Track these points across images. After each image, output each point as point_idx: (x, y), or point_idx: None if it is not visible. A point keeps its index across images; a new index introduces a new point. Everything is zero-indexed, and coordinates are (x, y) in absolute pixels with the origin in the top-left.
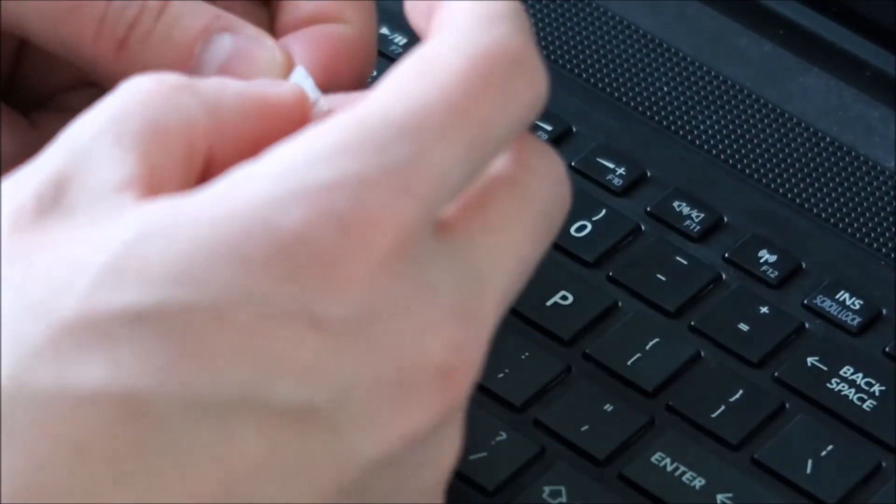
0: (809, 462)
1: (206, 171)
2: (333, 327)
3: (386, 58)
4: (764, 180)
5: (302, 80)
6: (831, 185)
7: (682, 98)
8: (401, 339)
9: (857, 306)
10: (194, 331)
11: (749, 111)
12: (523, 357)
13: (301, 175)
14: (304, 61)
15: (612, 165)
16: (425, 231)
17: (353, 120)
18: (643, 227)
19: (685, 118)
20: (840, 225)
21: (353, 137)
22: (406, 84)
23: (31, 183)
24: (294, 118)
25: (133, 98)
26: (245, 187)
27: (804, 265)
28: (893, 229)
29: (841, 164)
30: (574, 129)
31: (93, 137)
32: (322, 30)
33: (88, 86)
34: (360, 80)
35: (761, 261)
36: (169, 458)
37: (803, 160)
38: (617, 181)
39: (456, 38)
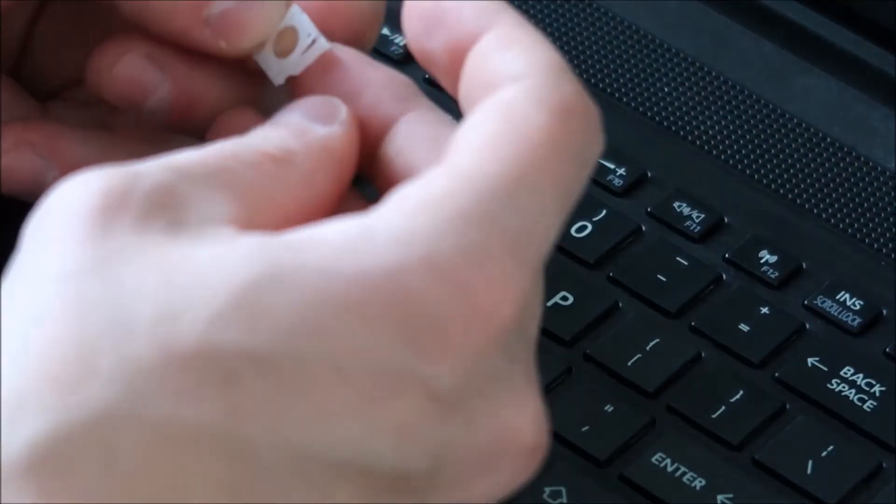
0: (810, 462)
1: None
2: (444, 397)
3: (386, 58)
4: (764, 181)
5: (298, 17)
6: (831, 185)
7: (682, 98)
8: (499, 410)
9: (858, 307)
10: (314, 384)
11: (749, 111)
12: None
13: (426, 242)
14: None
15: (612, 166)
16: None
17: (465, 185)
18: (644, 228)
19: (685, 118)
20: (840, 225)
21: (470, 207)
22: (500, 144)
23: (135, 180)
24: (351, 157)
25: (239, 156)
26: (370, 246)
27: (805, 265)
28: (894, 229)
29: (841, 164)
30: None
31: (203, 171)
32: None
33: None
34: (356, 43)
35: (762, 261)
36: None
37: (803, 160)
38: (617, 181)
39: (536, 92)
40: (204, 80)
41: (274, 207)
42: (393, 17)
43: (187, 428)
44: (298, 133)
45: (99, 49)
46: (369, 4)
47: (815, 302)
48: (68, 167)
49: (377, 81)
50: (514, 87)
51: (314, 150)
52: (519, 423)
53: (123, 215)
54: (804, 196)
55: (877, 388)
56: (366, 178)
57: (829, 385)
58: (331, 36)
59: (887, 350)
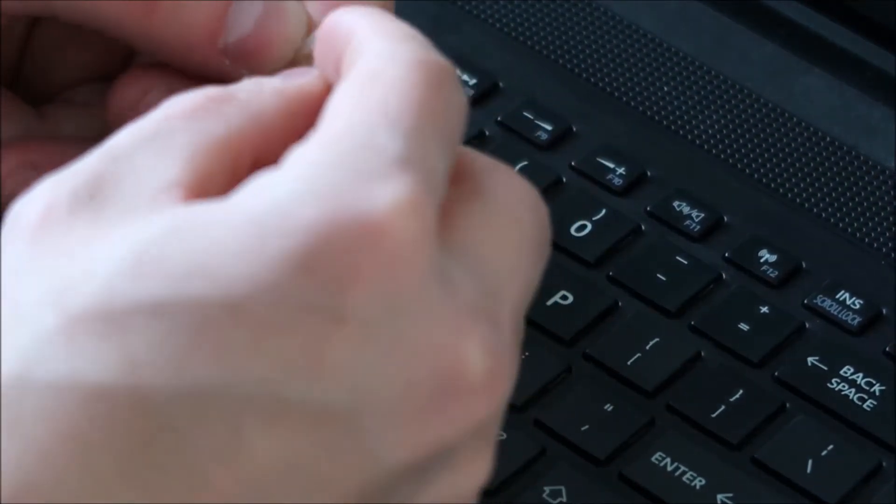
0: (810, 462)
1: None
2: (357, 324)
3: None
4: (764, 180)
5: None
6: (832, 184)
7: (682, 98)
8: (432, 338)
9: (858, 306)
10: (208, 325)
11: (750, 111)
12: (523, 357)
13: (315, 179)
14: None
15: (612, 165)
16: (436, 226)
17: (339, 134)
18: (643, 227)
19: (685, 118)
20: (840, 225)
21: (347, 144)
22: (368, 94)
23: (67, 181)
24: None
25: (175, 111)
26: (259, 194)
27: (804, 265)
28: (893, 229)
29: (841, 163)
30: (574, 129)
31: (135, 145)
32: None
33: (96, 81)
34: None
35: (761, 261)
36: (175, 457)
37: (804, 160)
38: (617, 181)
39: (385, 52)
40: None
41: (221, 152)
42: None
43: (87, 384)
44: (254, 83)
45: (121, 85)
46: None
47: (814, 301)
48: None
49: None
50: (366, 54)
51: (265, 90)
52: (460, 353)
53: (57, 216)
54: (804, 195)
55: (876, 388)
56: None
57: (828, 384)
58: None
59: (887, 349)
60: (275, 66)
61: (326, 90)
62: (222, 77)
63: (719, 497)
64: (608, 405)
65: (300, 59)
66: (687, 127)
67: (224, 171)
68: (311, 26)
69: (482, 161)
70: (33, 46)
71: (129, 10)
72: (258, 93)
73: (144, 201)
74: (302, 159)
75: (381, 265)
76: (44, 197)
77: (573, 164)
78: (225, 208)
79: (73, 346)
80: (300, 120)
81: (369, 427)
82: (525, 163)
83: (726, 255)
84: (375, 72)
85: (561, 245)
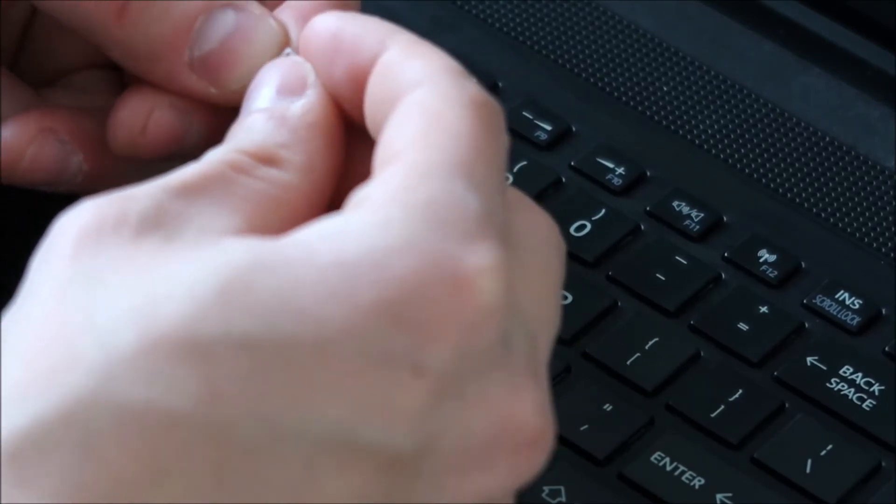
0: (809, 462)
1: None
2: (433, 376)
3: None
4: (764, 180)
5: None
6: (831, 184)
7: (682, 98)
8: (493, 395)
9: (857, 306)
10: (294, 364)
11: (749, 111)
12: None
13: (401, 228)
14: (295, 35)
15: (612, 165)
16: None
17: (419, 176)
18: (643, 227)
19: (685, 118)
20: (840, 225)
21: (431, 192)
22: (430, 135)
23: (131, 203)
24: (336, 122)
25: (234, 166)
26: (347, 236)
27: (804, 265)
28: (893, 229)
29: (841, 163)
30: (574, 129)
31: (199, 190)
32: (313, 4)
33: (97, 67)
34: None
35: (761, 260)
36: (247, 489)
37: (803, 160)
38: (617, 181)
39: (443, 90)
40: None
41: (279, 207)
42: (392, 17)
43: (166, 411)
44: (279, 120)
45: (125, 107)
46: (348, 5)
47: (814, 301)
48: (89, 148)
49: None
50: (421, 90)
51: (301, 136)
52: (516, 411)
53: (117, 234)
54: (803, 195)
55: (876, 388)
56: None
57: (828, 384)
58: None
59: (886, 349)
60: (241, 83)
61: (334, 109)
62: (190, 93)
63: (719, 497)
64: (608, 405)
65: None
66: (686, 127)
67: (281, 222)
68: (286, 42)
69: (506, 198)
70: (34, 31)
71: (99, 11)
72: (295, 146)
73: (212, 239)
74: (382, 206)
75: (465, 323)
76: (103, 210)
77: (573, 163)
78: (306, 248)
79: (153, 369)
80: (334, 149)
81: (427, 472)
82: (524, 163)
83: (725, 254)
84: (436, 114)
85: None
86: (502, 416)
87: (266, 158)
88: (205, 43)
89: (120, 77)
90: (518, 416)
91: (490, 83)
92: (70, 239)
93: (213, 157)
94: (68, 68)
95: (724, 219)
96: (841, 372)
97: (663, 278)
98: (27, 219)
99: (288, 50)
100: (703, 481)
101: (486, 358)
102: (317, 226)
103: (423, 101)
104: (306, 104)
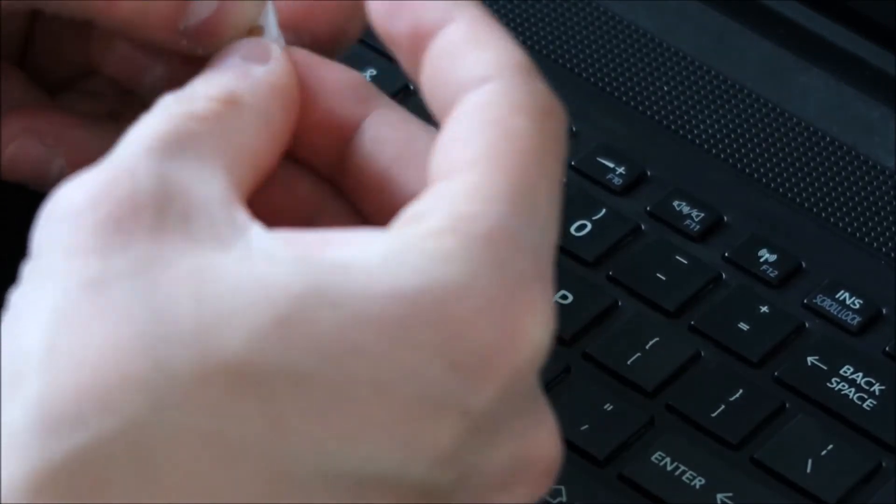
0: (809, 462)
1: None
2: (477, 416)
3: (386, 57)
4: (764, 180)
5: (269, 17)
6: (831, 184)
7: (682, 98)
8: (521, 428)
9: (857, 306)
10: (353, 400)
11: (749, 111)
12: None
13: (462, 263)
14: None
15: (612, 165)
16: None
17: (484, 205)
18: (643, 227)
19: (685, 118)
20: (840, 224)
21: (495, 227)
22: (497, 156)
23: (137, 182)
24: (296, 97)
25: (197, 114)
26: (407, 267)
27: (804, 265)
28: (893, 229)
29: (841, 163)
30: (574, 129)
31: (180, 155)
32: None
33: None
34: (338, 36)
35: (761, 260)
36: None
37: (803, 160)
38: (617, 181)
39: (512, 95)
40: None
41: (244, 155)
42: None
43: (227, 442)
44: (241, 75)
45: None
46: (344, 8)
47: (814, 301)
48: (74, 156)
49: (337, 82)
50: (489, 90)
51: (262, 88)
52: (540, 442)
53: (138, 221)
54: (804, 195)
55: (876, 388)
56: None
57: (828, 384)
58: (313, 31)
59: (887, 349)
60: (224, 43)
61: (293, 72)
62: (174, 51)
63: (719, 497)
64: (608, 405)
65: (253, 31)
66: (686, 126)
67: (254, 175)
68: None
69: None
70: (41, 35)
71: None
72: (257, 93)
73: (227, 220)
74: (441, 233)
75: (513, 371)
76: (112, 191)
77: (573, 163)
78: (364, 276)
79: (212, 400)
80: (290, 112)
81: (458, 500)
82: None
83: (726, 254)
84: (504, 128)
85: (560, 245)
86: (527, 448)
87: (229, 101)
88: (199, 13)
89: None
90: (540, 447)
91: None
92: (88, 222)
93: (177, 108)
94: (79, 72)
95: (725, 219)
96: (841, 372)
97: (663, 278)
98: (27, 219)
99: (271, 15)
100: (703, 481)
101: (524, 398)
102: (373, 246)
103: (491, 107)
104: (270, 69)
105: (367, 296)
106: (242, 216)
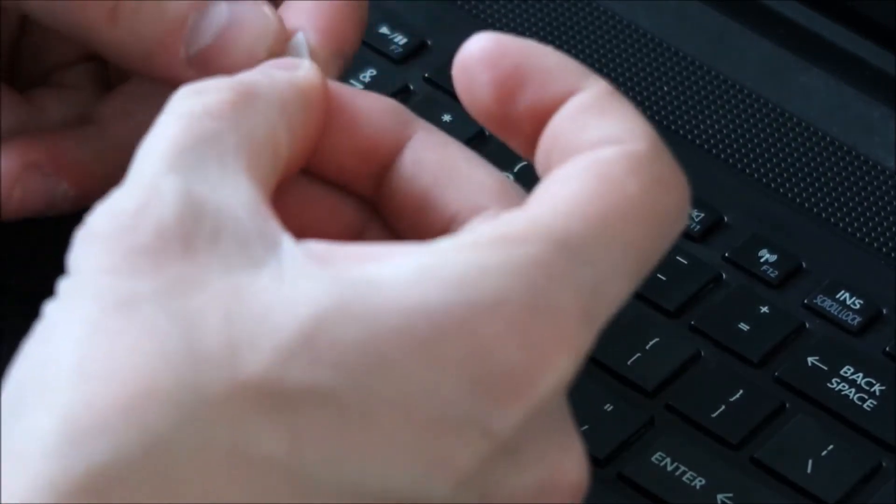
0: (810, 462)
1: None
2: (498, 439)
3: (385, 57)
4: (764, 180)
5: (300, 46)
6: (831, 184)
7: (682, 98)
8: (547, 452)
9: (858, 306)
10: (377, 419)
11: (749, 111)
12: None
13: (496, 283)
14: (304, 27)
15: None
16: None
17: (543, 235)
18: None
19: (685, 118)
20: (840, 225)
21: (545, 256)
22: (588, 204)
23: (159, 200)
24: (324, 104)
25: (211, 111)
26: (437, 282)
27: (804, 265)
28: (894, 229)
29: (841, 163)
30: None
31: (191, 161)
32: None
33: (86, 61)
34: (354, 46)
35: (761, 260)
36: None
37: (803, 160)
38: None
39: (636, 160)
40: None
41: (264, 150)
42: (392, 17)
43: (251, 458)
44: (260, 73)
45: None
46: (354, 5)
47: (814, 301)
48: (73, 174)
49: (376, 109)
50: (613, 150)
51: (280, 83)
52: (565, 465)
53: (167, 246)
54: (804, 195)
55: (876, 388)
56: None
57: (828, 384)
58: (317, 34)
59: (887, 349)
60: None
61: (325, 85)
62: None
63: (719, 497)
64: (608, 405)
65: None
66: (686, 127)
67: (275, 173)
68: (284, 33)
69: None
70: (25, 28)
71: (91, 13)
72: (275, 86)
73: (259, 236)
74: (483, 245)
75: (537, 395)
76: (138, 221)
77: None
78: (391, 290)
79: (238, 416)
80: (313, 116)
81: None
82: (524, 163)
83: (726, 254)
84: (614, 186)
85: None
86: (552, 472)
87: (242, 91)
88: (200, 38)
89: (107, 70)
90: (566, 472)
91: None
92: (119, 252)
93: (189, 105)
94: (58, 65)
95: (725, 219)
96: (841, 372)
97: (664, 278)
98: (27, 219)
99: (303, 45)
100: (703, 481)
101: (547, 422)
102: (408, 259)
103: (605, 164)
104: (294, 73)
105: (394, 310)
106: (273, 227)
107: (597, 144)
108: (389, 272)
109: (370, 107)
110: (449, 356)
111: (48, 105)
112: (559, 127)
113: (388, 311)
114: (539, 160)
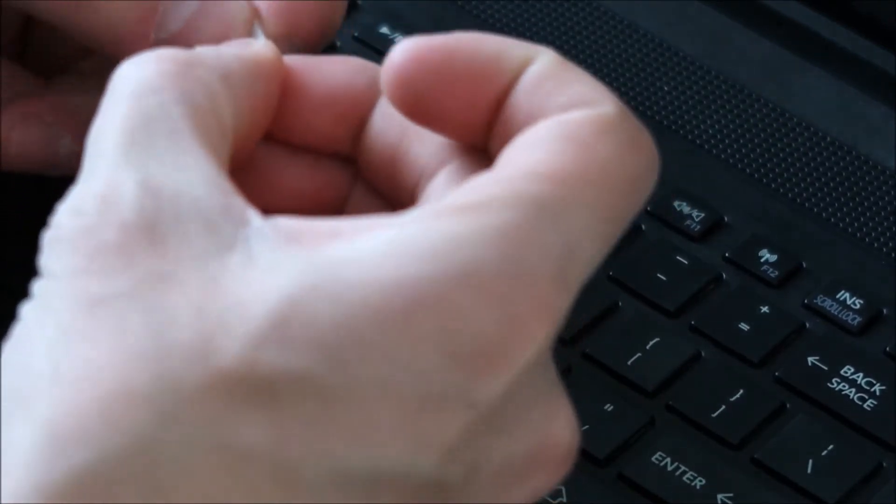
0: (810, 462)
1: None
2: (483, 409)
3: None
4: (764, 180)
5: (255, 27)
6: (832, 184)
7: (682, 98)
8: (534, 418)
9: (858, 306)
10: (358, 400)
11: (749, 111)
12: None
13: (469, 251)
14: (266, 11)
15: None
16: None
17: (515, 199)
18: (644, 227)
19: (685, 118)
20: (841, 224)
21: (517, 221)
22: (559, 168)
23: (121, 204)
24: (278, 77)
25: (153, 85)
26: (409, 253)
27: (805, 265)
28: (894, 228)
29: (841, 163)
30: None
31: (143, 148)
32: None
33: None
34: (321, 39)
35: (762, 260)
36: None
37: (804, 160)
38: None
39: (608, 121)
40: None
41: (213, 120)
42: (392, 17)
43: (233, 450)
44: (209, 47)
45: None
46: (330, 4)
47: (815, 301)
48: (76, 129)
49: (345, 71)
50: (583, 113)
51: (224, 53)
52: (554, 432)
53: (132, 241)
54: (804, 195)
55: (877, 388)
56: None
57: (829, 384)
58: (268, 14)
59: (887, 349)
60: None
61: (278, 59)
62: None
63: (719, 497)
64: (608, 405)
65: None
66: (687, 127)
67: (224, 144)
68: (254, 20)
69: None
70: (39, 22)
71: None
72: (221, 56)
73: (222, 215)
74: (459, 211)
75: (517, 363)
76: (88, 227)
77: None
78: (369, 265)
79: (217, 409)
80: (262, 89)
81: (471, 492)
82: None
83: (726, 255)
84: (588, 149)
85: None
86: (541, 438)
87: (183, 61)
88: (170, 25)
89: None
90: (555, 436)
91: None
92: (85, 253)
93: (130, 85)
94: (76, 54)
95: (725, 219)
96: (842, 372)
97: (664, 278)
98: (27, 219)
99: (257, 28)
100: (703, 482)
101: (531, 390)
102: (382, 233)
103: (577, 124)
104: (247, 48)
105: (368, 287)
106: (236, 202)
107: (564, 108)
108: (361, 248)
109: (339, 69)
110: (426, 330)
111: (71, 89)
112: (521, 99)
113: (362, 288)
114: (498, 136)
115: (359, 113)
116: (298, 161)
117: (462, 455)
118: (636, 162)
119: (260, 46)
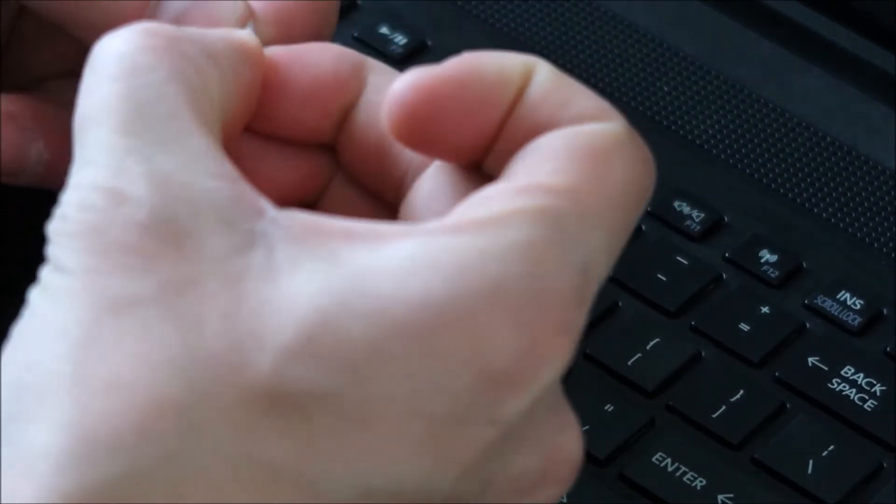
0: (810, 462)
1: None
2: (503, 427)
3: (386, 57)
4: (765, 180)
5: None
6: (832, 184)
7: (682, 98)
8: (546, 433)
9: (858, 306)
10: (383, 418)
11: (749, 111)
12: None
13: (495, 269)
14: (260, 12)
15: None
16: None
17: (538, 215)
18: (644, 227)
19: (685, 118)
20: (841, 225)
21: (542, 238)
22: (583, 186)
23: (132, 200)
24: (261, 65)
25: (144, 63)
26: (435, 270)
27: (805, 265)
28: (894, 228)
29: (842, 163)
30: None
31: (145, 126)
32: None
33: (71, 76)
34: (316, 32)
35: (762, 261)
36: None
37: (804, 160)
38: None
39: (623, 138)
40: None
41: (205, 95)
42: (393, 17)
43: (260, 465)
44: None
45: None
46: (325, 4)
47: (815, 301)
48: (50, 136)
49: (327, 59)
50: (598, 127)
51: (210, 36)
52: (563, 445)
53: (147, 238)
54: (804, 195)
55: (877, 388)
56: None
57: (829, 384)
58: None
59: (888, 349)
60: None
61: (261, 48)
62: None
63: (719, 497)
64: (608, 405)
65: None
66: (687, 127)
67: (217, 120)
68: (247, 15)
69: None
70: (12, 40)
71: None
72: (205, 35)
73: (241, 220)
74: (485, 225)
75: (538, 382)
76: (99, 224)
77: None
78: (394, 280)
79: (247, 424)
80: (247, 76)
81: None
82: None
83: (726, 255)
84: (607, 165)
85: None
86: (550, 452)
87: (168, 36)
88: (162, 18)
89: None
90: (565, 451)
91: None
92: (100, 251)
93: (118, 66)
94: (44, 76)
95: (725, 219)
96: (842, 372)
97: (664, 278)
98: (27, 219)
99: (250, 24)
100: (703, 482)
101: (547, 406)
102: (403, 244)
103: (594, 140)
104: (234, 33)
105: (396, 303)
106: (248, 192)
107: (576, 120)
108: (385, 259)
109: (322, 58)
110: (453, 349)
111: (59, 96)
112: (526, 114)
113: (390, 305)
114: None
115: (342, 102)
116: (278, 151)
117: (479, 471)
118: (644, 181)
119: (244, 33)
